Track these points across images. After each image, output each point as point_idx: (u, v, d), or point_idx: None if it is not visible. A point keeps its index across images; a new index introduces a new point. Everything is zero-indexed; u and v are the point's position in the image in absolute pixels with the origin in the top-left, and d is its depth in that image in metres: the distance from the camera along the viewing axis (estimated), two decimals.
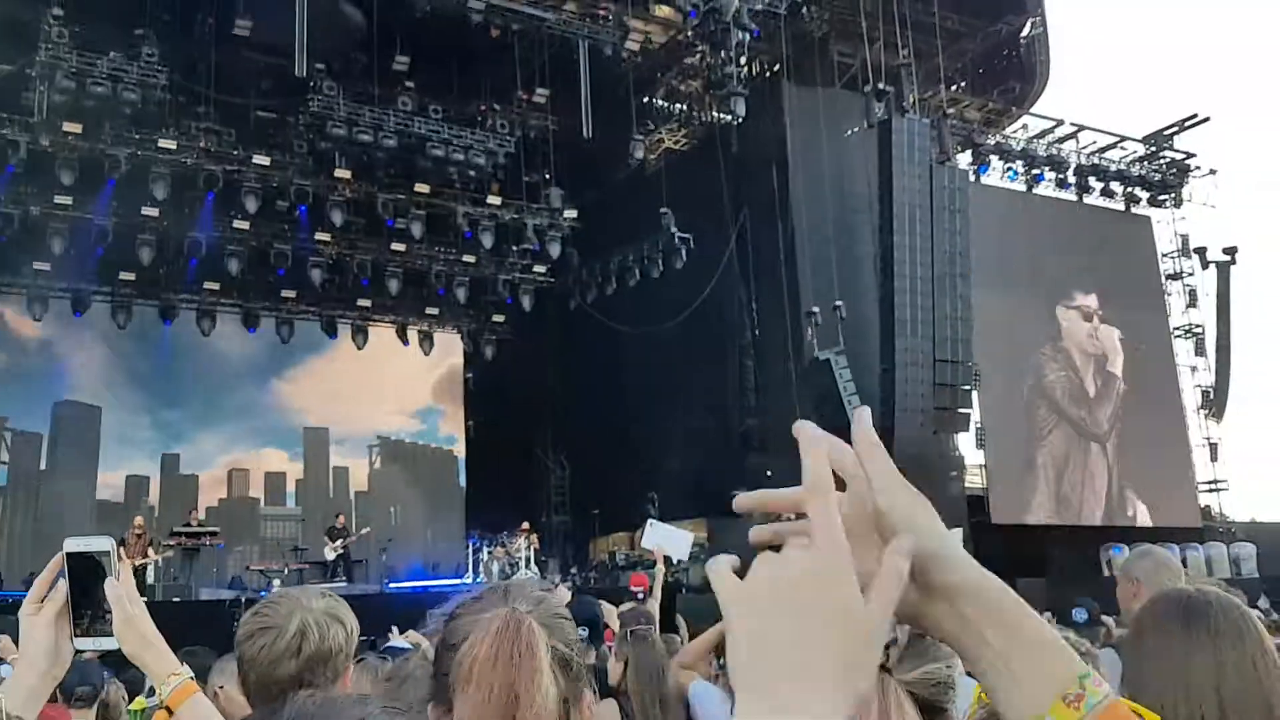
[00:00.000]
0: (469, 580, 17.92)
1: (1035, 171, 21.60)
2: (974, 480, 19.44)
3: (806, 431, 0.75)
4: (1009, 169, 21.53)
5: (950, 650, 1.65)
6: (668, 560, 10.21)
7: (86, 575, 1.51)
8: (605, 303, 19.34)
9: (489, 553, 18.00)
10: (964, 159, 20.27)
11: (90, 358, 18.90)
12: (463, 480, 21.88)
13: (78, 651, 1.51)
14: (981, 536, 18.16)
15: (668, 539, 11.49)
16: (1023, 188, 21.61)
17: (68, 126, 15.11)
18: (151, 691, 3.42)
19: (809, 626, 0.65)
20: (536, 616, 1.34)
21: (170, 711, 1.49)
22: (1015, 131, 22.08)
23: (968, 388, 17.68)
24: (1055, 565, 17.25)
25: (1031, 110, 22.15)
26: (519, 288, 19.69)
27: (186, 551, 15.42)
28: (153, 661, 1.53)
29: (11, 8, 14.91)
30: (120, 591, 1.51)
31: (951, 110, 20.43)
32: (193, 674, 1.53)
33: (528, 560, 17.69)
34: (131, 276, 17.80)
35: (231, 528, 17.82)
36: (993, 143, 21.16)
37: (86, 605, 1.50)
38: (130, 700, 4.22)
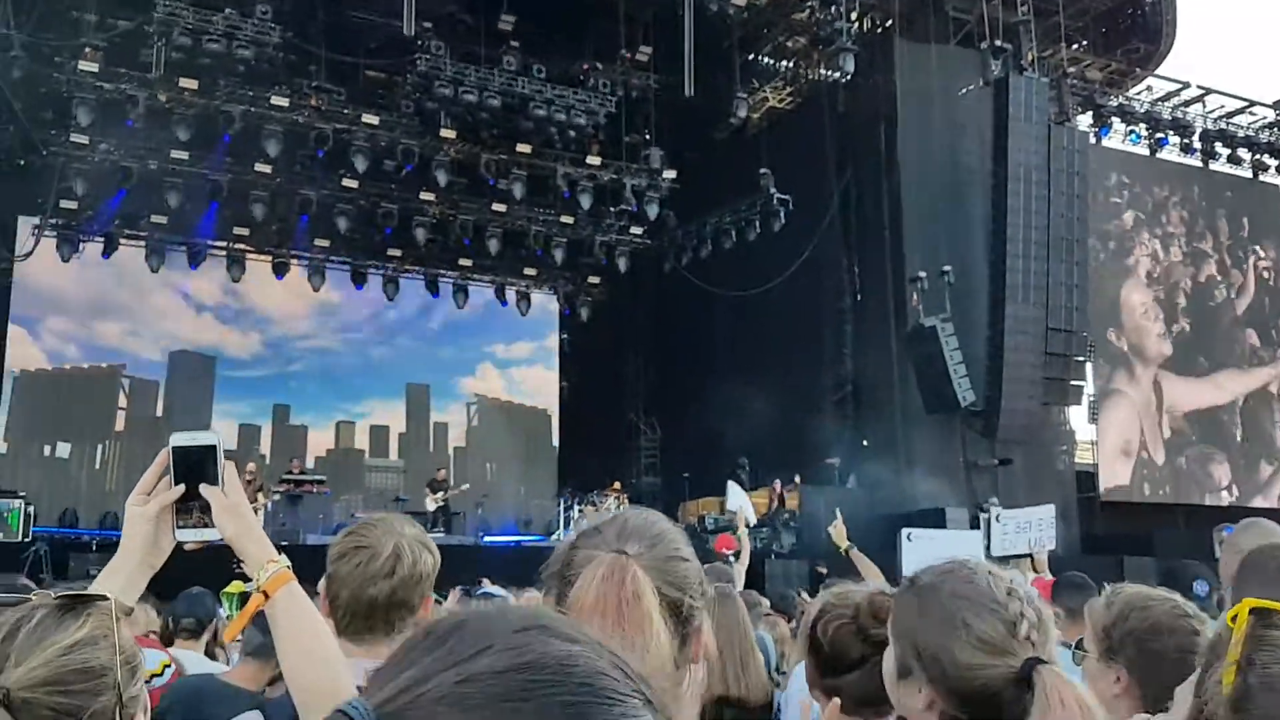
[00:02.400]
0: (559, 537, 18.17)
1: (1159, 135, 20.68)
2: (1084, 456, 18.76)
3: None
4: (1131, 131, 20.63)
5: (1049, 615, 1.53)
6: (746, 523, 10.20)
7: (191, 469, 1.52)
8: (700, 265, 19.18)
9: (580, 511, 18.20)
10: (1084, 120, 19.44)
11: (206, 309, 19.62)
12: (555, 440, 22.11)
13: (179, 544, 1.52)
14: (1089, 514, 17.59)
15: (746, 502, 11.56)
16: (1145, 151, 20.69)
17: (184, 83, 15.51)
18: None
19: None
20: (647, 560, 1.30)
21: (267, 595, 1.50)
22: (1139, 93, 21.13)
23: (1081, 359, 17.02)
24: (1166, 545, 16.55)
25: (1156, 72, 21.14)
26: (615, 249, 19.66)
27: (293, 498, 15.97)
28: (253, 547, 1.54)
29: None
30: (224, 482, 1.52)
31: (1072, 70, 19.57)
32: (289, 564, 1.54)
33: None
34: (245, 231, 18.35)
35: (337, 477, 18.37)
36: (1115, 104, 20.25)
37: (190, 498, 1.52)
38: None
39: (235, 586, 3.46)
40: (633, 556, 1.29)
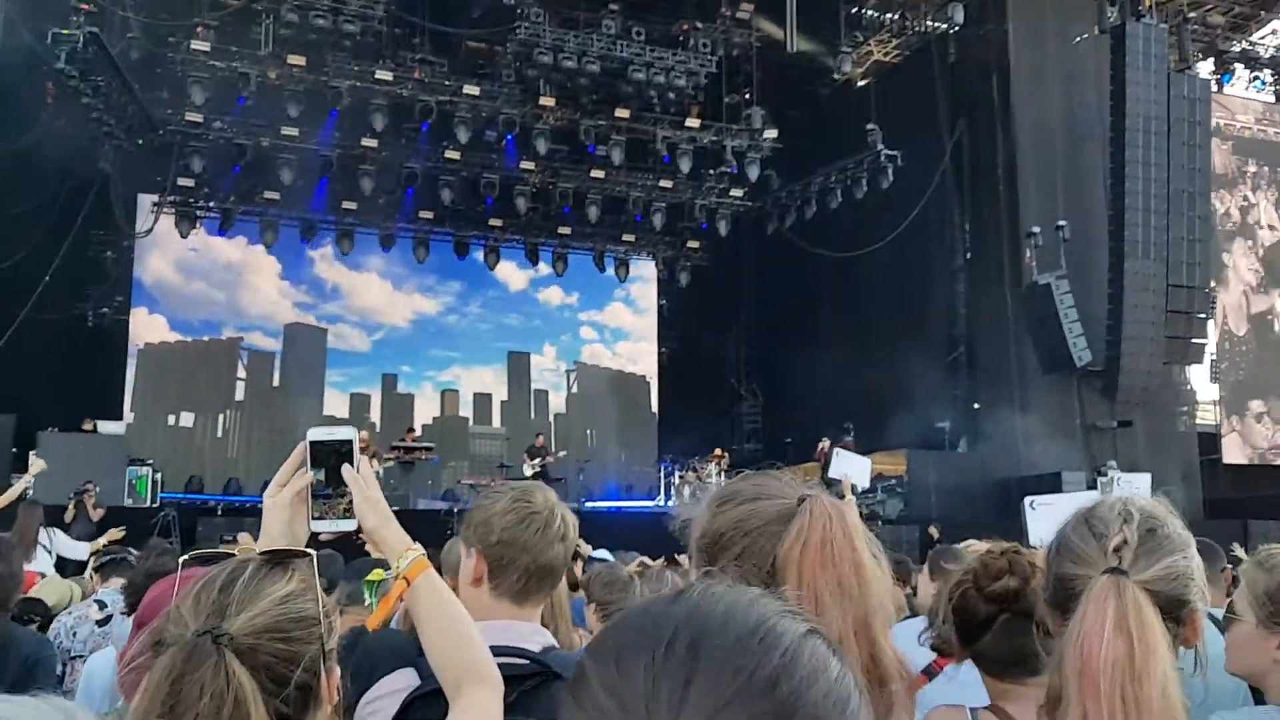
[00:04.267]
0: (660, 503, 18.25)
1: None
2: (1205, 416, 18.05)
3: None
4: (1255, 78, 19.60)
5: (1186, 538, 1.47)
6: (854, 489, 10.01)
7: (327, 463, 1.57)
8: (804, 227, 18.88)
9: (680, 477, 18.23)
10: (1205, 67, 18.52)
11: (318, 282, 20.15)
12: (655, 406, 22.18)
13: (314, 534, 1.57)
14: (1212, 476, 16.94)
15: (852, 466, 11.25)
16: (1271, 98, 19.65)
17: (292, 59, 15.83)
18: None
19: None
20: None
21: (408, 581, 1.55)
22: (1264, 37, 20.00)
23: (1203, 316, 16.32)
24: None
25: None
26: (715, 212, 19.52)
27: (404, 465, 16.37)
28: (391, 536, 1.59)
29: None
30: (360, 475, 1.57)
31: (1193, 14, 18.60)
32: (425, 550, 1.61)
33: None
34: (354, 205, 18.73)
35: (443, 444, 18.74)
36: (1238, 50, 19.24)
37: (325, 490, 1.57)
38: None
39: (376, 574, 3.55)
40: (830, 503, 1.31)
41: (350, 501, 1.57)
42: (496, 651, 1.62)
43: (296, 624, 1.25)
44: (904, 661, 1.26)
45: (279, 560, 1.32)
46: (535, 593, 1.97)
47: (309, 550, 1.37)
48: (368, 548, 3.09)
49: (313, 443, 1.58)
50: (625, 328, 22.28)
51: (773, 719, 0.62)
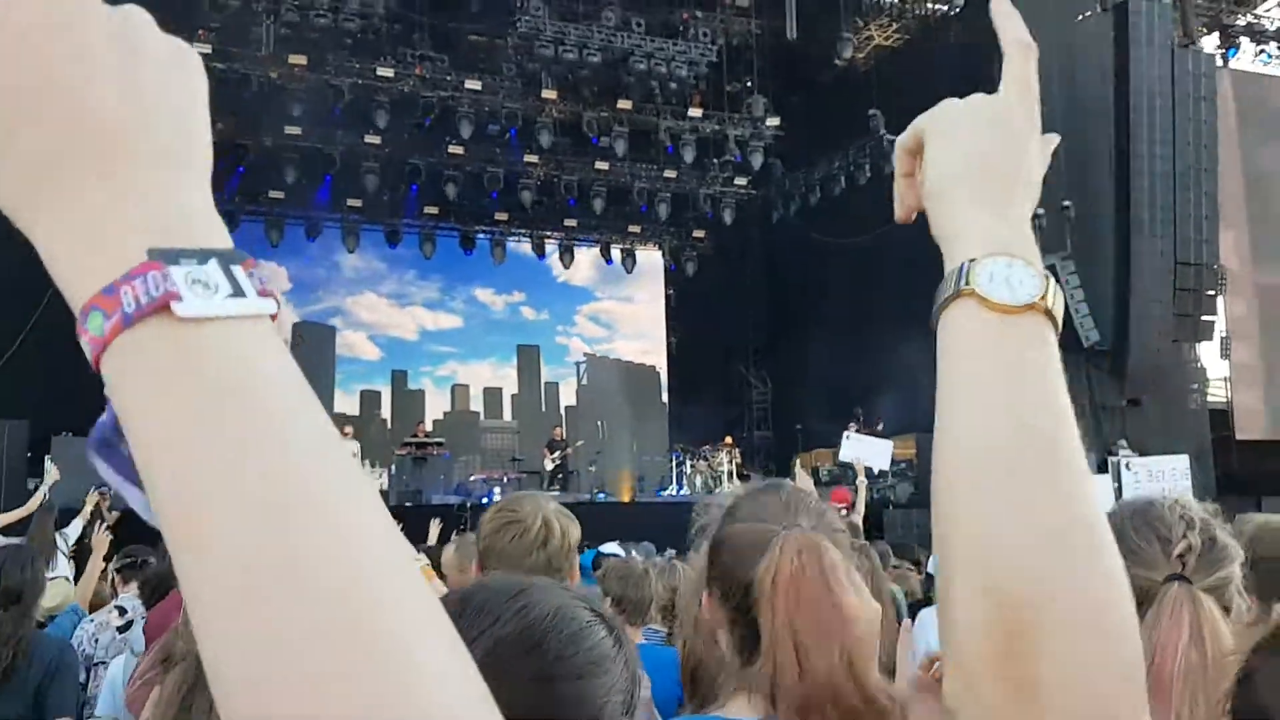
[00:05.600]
0: (673, 493, 18.28)
1: None
2: (1217, 393, 17.99)
3: (1003, 6, 0.85)
4: (1262, 51, 19.47)
5: (1238, 549, 1.49)
6: (868, 472, 9.97)
7: None
8: (809, 213, 18.86)
9: (692, 466, 18.25)
10: (1210, 42, 18.41)
11: (326, 281, 20.21)
12: (665, 396, 22.20)
13: None
14: (1225, 453, 16.88)
15: (867, 450, 11.16)
16: (1277, 72, 19.51)
17: (293, 59, 15.87)
18: None
19: (1010, 143, 0.82)
20: (823, 533, 1.33)
21: None
22: (1269, 10, 19.85)
23: (1212, 293, 16.26)
24: None
25: None
26: (720, 202, 19.52)
27: (416, 460, 16.42)
28: None
29: None
30: None
31: None
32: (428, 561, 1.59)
33: (730, 474, 17.82)
34: (359, 203, 18.77)
35: (455, 439, 18.80)
36: (1243, 23, 19.12)
37: None
38: None
39: None
40: (811, 529, 1.32)
41: None
42: None
43: None
44: (894, 691, 1.25)
45: None
46: None
47: None
48: None
49: None
50: (633, 318, 22.32)
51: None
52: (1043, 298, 0.75)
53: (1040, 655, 0.64)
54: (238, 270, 0.47)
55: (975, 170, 0.81)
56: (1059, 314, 0.77)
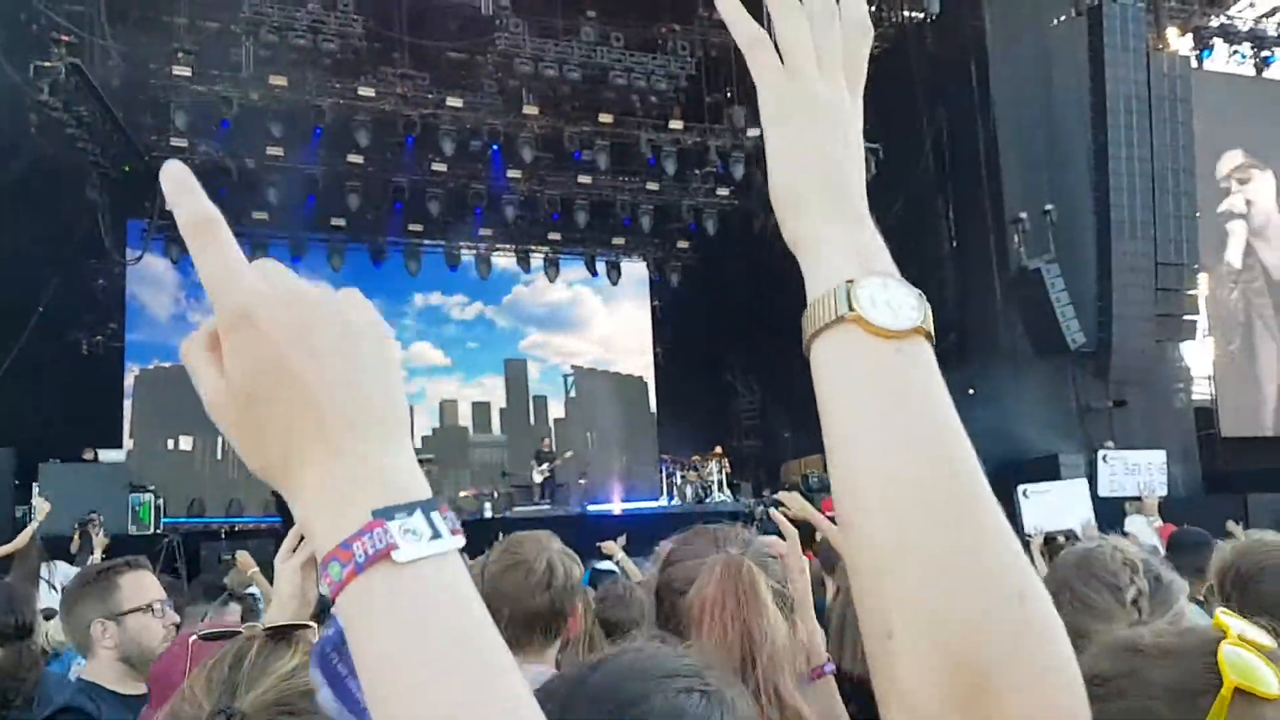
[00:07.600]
0: (664, 503, 18.30)
1: (1265, 53, 19.66)
2: (1201, 392, 18.13)
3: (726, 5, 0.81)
4: (1235, 51, 19.66)
5: (1182, 583, 1.53)
6: None
7: None
8: None
9: (682, 477, 18.27)
10: (1184, 44, 18.61)
11: None
12: (653, 407, 22.23)
13: (323, 595, 1.59)
14: (1211, 450, 17.01)
15: None
16: (1251, 72, 19.72)
17: (274, 80, 15.87)
18: None
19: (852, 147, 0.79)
20: (750, 558, 1.41)
21: None
22: (1241, 11, 20.07)
23: (1193, 292, 16.43)
24: None
25: None
26: (703, 212, 19.60)
27: None
28: None
29: None
30: None
31: None
32: None
33: (720, 484, 17.86)
34: (342, 222, 18.76)
35: (443, 455, 18.76)
36: (1216, 24, 19.31)
37: None
38: None
39: None
40: (738, 554, 1.42)
41: None
42: None
43: (303, 696, 1.28)
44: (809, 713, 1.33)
45: (282, 635, 1.37)
46: (528, 638, 2.04)
47: (310, 624, 1.41)
48: None
49: None
50: (620, 330, 22.35)
51: None
52: (925, 320, 0.73)
53: (1004, 710, 0.64)
54: (435, 516, 0.61)
55: (828, 174, 0.80)
56: (933, 332, 0.74)
